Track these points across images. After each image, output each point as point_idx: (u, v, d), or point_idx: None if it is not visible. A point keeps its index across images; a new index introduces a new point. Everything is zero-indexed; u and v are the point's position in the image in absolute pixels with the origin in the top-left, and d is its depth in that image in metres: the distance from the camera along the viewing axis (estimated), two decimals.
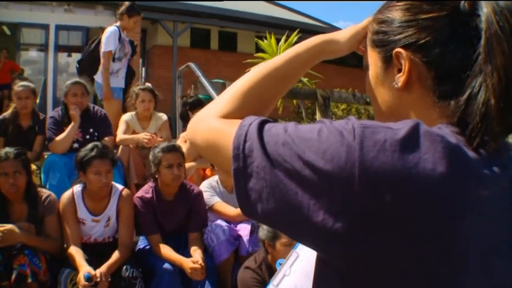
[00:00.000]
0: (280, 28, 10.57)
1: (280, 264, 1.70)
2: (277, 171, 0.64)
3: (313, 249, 0.67)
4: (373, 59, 0.81)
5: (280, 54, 0.90)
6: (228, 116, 0.80)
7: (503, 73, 0.63)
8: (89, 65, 5.57)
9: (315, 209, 0.61)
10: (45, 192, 3.31)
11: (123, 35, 5.45)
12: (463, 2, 0.69)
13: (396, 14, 0.75)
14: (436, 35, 0.70)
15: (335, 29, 15.27)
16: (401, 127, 0.62)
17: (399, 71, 0.74)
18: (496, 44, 0.64)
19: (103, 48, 5.28)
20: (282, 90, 0.90)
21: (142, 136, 4.30)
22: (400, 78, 0.74)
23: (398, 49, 0.73)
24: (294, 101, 7.85)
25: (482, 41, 0.65)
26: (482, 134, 0.64)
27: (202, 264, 3.08)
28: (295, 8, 15.80)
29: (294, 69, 0.90)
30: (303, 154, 0.63)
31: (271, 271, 2.93)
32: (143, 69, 14.10)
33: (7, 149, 3.21)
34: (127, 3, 5.48)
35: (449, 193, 0.59)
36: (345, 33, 0.93)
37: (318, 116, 5.00)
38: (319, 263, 0.73)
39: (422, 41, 0.71)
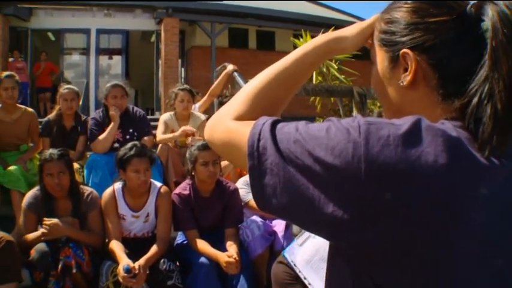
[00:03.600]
0: (317, 26, 10.53)
1: None
2: (289, 167, 0.69)
3: (325, 238, 0.72)
4: (380, 57, 0.85)
5: (289, 54, 0.93)
6: (242, 117, 0.85)
7: (509, 81, 0.66)
8: None
9: (325, 201, 0.66)
10: (87, 189, 3.48)
11: None
12: (469, 6, 0.73)
13: (404, 15, 0.79)
14: (443, 38, 0.73)
15: None
16: (404, 123, 0.66)
17: (405, 70, 0.78)
18: (502, 53, 0.67)
19: None
20: (293, 89, 0.93)
21: (179, 133, 4.39)
22: (406, 78, 0.78)
23: (405, 50, 0.77)
24: (332, 98, 7.83)
25: (489, 49, 0.68)
26: (493, 140, 0.67)
27: (237, 258, 3.14)
28: (332, 6, 15.71)
29: (303, 69, 0.92)
30: (313, 151, 0.67)
31: None
32: (182, 69, 14.31)
33: (51, 151, 3.41)
34: None
35: (451, 184, 0.63)
36: (352, 30, 0.94)
37: (354, 113, 4.99)
38: (331, 252, 0.78)
39: (429, 44, 0.74)
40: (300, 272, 2.49)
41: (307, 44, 0.94)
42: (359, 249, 0.66)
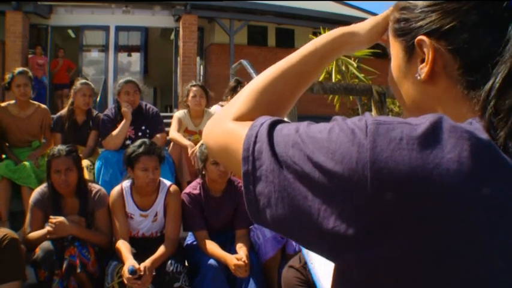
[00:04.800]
0: (337, 24, 10.39)
1: None
2: (286, 173, 0.60)
3: (326, 257, 0.62)
4: (395, 50, 0.75)
5: (297, 51, 0.85)
6: (243, 117, 0.76)
7: None
8: None
9: (326, 214, 0.56)
10: (95, 187, 3.42)
11: None
12: None
13: None
14: (463, 19, 0.63)
15: None
16: (421, 122, 0.55)
17: (422, 61, 0.67)
18: None
19: None
20: (300, 88, 0.85)
21: (187, 146, 4.33)
22: (424, 69, 0.67)
23: (420, 37, 0.67)
24: (351, 97, 7.71)
25: None
26: (508, 128, 0.56)
27: (246, 261, 3.05)
28: (352, 4, 15.55)
29: (311, 66, 0.84)
30: (312, 155, 0.58)
31: None
32: (201, 67, 14.30)
33: (59, 147, 3.36)
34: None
35: (478, 198, 0.52)
36: (365, 24, 0.87)
37: (373, 112, 4.87)
38: (336, 270, 0.67)
39: (447, 27, 0.64)
40: (314, 272, 2.42)
41: (318, 39, 0.86)
42: (364, 268, 0.56)
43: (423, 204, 0.51)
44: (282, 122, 0.67)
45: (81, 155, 4.24)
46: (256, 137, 0.65)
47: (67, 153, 3.28)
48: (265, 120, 0.67)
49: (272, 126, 0.65)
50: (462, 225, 0.51)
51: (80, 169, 3.37)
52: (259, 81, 0.82)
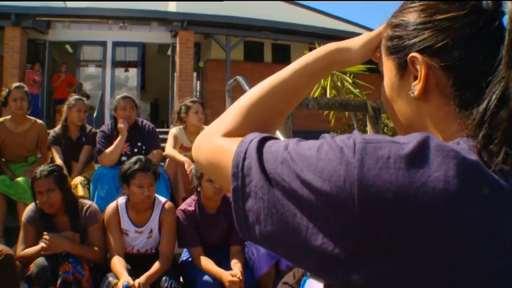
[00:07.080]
0: (333, 39, 10.46)
1: None
2: (275, 190, 0.60)
3: (314, 274, 0.63)
4: (388, 67, 0.76)
5: (287, 66, 0.85)
6: (232, 133, 0.76)
7: None
8: None
9: (314, 232, 0.56)
10: (86, 203, 3.40)
11: None
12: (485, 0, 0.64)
13: (411, 17, 0.70)
14: (455, 36, 0.64)
15: None
16: (409, 141, 0.56)
17: (415, 78, 0.68)
18: None
19: None
20: (290, 104, 0.84)
21: (183, 162, 4.35)
22: (416, 86, 0.68)
23: (413, 54, 0.68)
24: (346, 112, 7.73)
25: (506, 42, 0.58)
26: (504, 151, 0.57)
27: (241, 277, 3.07)
28: (348, 19, 15.65)
29: (302, 82, 0.83)
30: (301, 173, 0.58)
31: None
32: (197, 83, 14.34)
33: (41, 168, 3.33)
34: None
35: (463, 218, 0.52)
36: (357, 41, 0.86)
37: (368, 128, 4.89)
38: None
39: (440, 44, 0.65)
40: None
41: (309, 55, 0.85)
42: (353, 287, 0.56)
43: (409, 222, 0.52)
44: (272, 138, 0.68)
45: (74, 172, 4.28)
46: (245, 153, 0.66)
47: (48, 173, 3.24)
48: (255, 136, 0.68)
49: (261, 143, 0.66)
50: (447, 244, 0.52)
51: (65, 188, 3.31)
52: (249, 96, 0.81)
